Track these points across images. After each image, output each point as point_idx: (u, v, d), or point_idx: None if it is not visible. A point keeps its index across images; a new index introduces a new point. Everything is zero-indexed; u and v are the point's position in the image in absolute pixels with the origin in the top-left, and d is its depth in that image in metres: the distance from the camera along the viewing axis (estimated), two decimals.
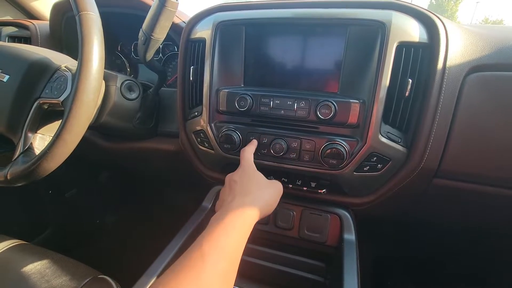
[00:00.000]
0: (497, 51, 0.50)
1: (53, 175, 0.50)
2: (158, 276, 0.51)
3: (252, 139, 0.60)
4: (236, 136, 0.60)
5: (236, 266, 0.38)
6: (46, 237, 1.12)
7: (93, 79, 0.45)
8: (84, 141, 0.49)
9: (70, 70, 0.53)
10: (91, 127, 0.64)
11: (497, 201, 0.57)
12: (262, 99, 0.58)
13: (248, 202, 0.45)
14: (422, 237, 0.91)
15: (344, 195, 0.62)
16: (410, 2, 0.53)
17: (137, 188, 1.17)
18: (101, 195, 1.26)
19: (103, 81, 0.63)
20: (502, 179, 0.52)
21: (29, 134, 0.53)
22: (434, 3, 21.86)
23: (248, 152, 0.56)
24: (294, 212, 0.64)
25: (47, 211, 1.15)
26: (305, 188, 0.62)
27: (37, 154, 0.49)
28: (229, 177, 0.53)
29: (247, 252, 0.70)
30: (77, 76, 0.44)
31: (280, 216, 0.64)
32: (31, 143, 0.53)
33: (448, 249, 0.93)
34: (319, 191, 0.61)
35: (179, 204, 0.94)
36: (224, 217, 0.41)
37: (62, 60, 0.57)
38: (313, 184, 0.62)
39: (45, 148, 0.47)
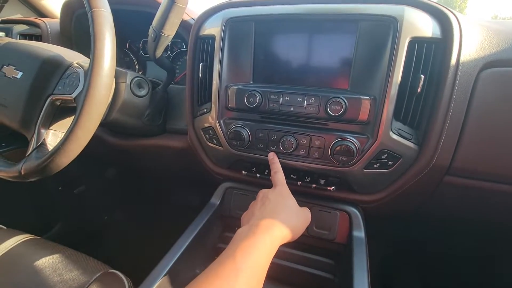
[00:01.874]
0: (509, 46, 0.49)
1: (63, 171, 0.51)
2: (169, 272, 0.51)
3: (272, 158, 0.59)
4: (245, 133, 0.60)
5: (261, 285, 0.38)
6: (56, 232, 1.14)
7: (105, 75, 0.45)
8: (93, 137, 0.50)
9: (82, 66, 0.53)
10: (101, 124, 0.65)
11: (510, 199, 0.56)
12: (272, 96, 0.57)
13: (278, 223, 0.45)
14: (434, 236, 0.90)
15: (353, 193, 0.62)
16: None
17: (145, 185, 1.18)
18: (109, 192, 1.28)
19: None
20: None
21: (42, 130, 0.54)
22: None
23: (282, 175, 0.56)
24: None
25: (57, 207, 1.17)
26: (314, 186, 0.61)
27: (50, 150, 0.50)
28: (263, 193, 0.54)
29: None
30: (90, 72, 0.45)
31: None
32: (44, 139, 0.54)
33: (461, 250, 0.91)
34: (328, 188, 0.61)
35: (187, 200, 0.94)
36: (255, 232, 0.41)
37: (74, 57, 0.58)
38: (322, 181, 0.62)
39: (58, 144, 0.48)
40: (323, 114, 0.55)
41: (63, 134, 0.50)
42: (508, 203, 0.58)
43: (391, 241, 0.83)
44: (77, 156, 0.49)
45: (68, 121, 0.57)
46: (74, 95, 0.51)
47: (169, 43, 0.79)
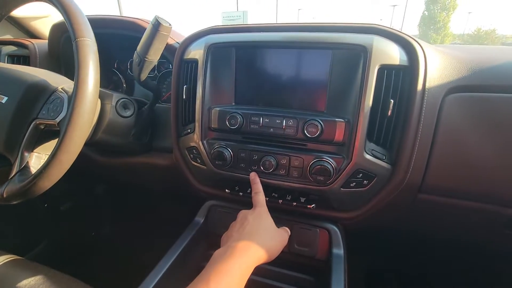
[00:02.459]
0: (473, 73, 0.52)
1: (49, 189, 0.52)
2: None
3: (253, 178, 0.62)
4: (228, 153, 0.62)
5: None
6: (41, 251, 1.12)
7: (88, 101, 0.47)
8: (80, 156, 0.51)
9: (66, 92, 0.55)
10: (87, 144, 0.66)
11: (480, 216, 0.59)
12: (252, 118, 0.60)
13: (254, 245, 0.47)
14: (414, 251, 0.92)
15: (333, 210, 0.64)
16: (391, 26, 0.56)
17: (132, 201, 1.18)
18: (96, 208, 1.27)
19: (99, 100, 0.65)
20: (482, 194, 0.54)
21: (26, 153, 0.55)
22: (427, 14, 22.32)
23: (262, 195, 0.59)
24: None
25: (42, 225, 1.15)
26: (294, 204, 0.63)
27: (33, 173, 0.51)
28: (243, 213, 0.56)
29: None
30: (73, 99, 0.46)
31: None
32: (28, 162, 0.55)
33: (440, 263, 0.94)
34: (308, 206, 0.63)
35: (173, 218, 0.95)
36: (231, 254, 0.43)
37: (58, 82, 0.59)
38: (302, 199, 0.64)
39: (40, 167, 0.48)
40: (301, 136, 0.57)
41: (47, 156, 0.51)
42: (479, 219, 0.61)
43: (374, 255, 0.85)
44: (60, 178, 0.50)
45: (52, 144, 0.58)
46: (58, 120, 0.52)
47: (156, 64, 0.82)
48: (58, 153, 0.47)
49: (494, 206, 0.55)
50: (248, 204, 0.60)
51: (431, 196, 0.59)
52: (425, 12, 22.46)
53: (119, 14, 0.80)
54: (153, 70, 0.90)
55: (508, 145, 0.50)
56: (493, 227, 0.61)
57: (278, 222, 0.57)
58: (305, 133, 0.56)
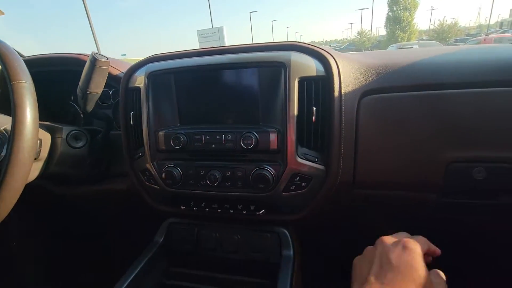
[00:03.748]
0: (381, 77, 0.59)
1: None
2: None
3: None
4: (177, 172, 0.66)
5: None
6: None
7: (26, 140, 0.50)
8: (36, 188, 0.53)
9: (6, 132, 0.58)
10: (41, 178, 0.68)
11: (411, 202, 0.65)
12: (195, 136, 0.64)
13: None
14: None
15: (281, 214, 0.68)
16: (307, 42, 0.62)
17: (91, 224, 1.16)
18: (52, 232, 1.23)
19: (49, 135, 0.67)
20: (403, 183, 0.60)
21: None
22: (391, 14, 23.44)
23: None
24: (239, 235, 0.69)
25: None
26: (245, 212, 0.67)
27: None
28: (384, 245, 0.39)
29: (194, 279, 0.74)
30: (11, 139, 0.49)
31: (225, 240, 0.69)
32: None
33: None
34: (257, 213, 0.67)
35: (132, 238, 0.96)
36: None
37: (2, 122, 0.62)
38: (252, 207, 0.68)
39: None
40: (240, 148, 0.62)
41: None
42: (412, 206, 0.67)
43: (326, 255, 0.89)
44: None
45: None
46: None
47: (110, 92, 0.85)
48: (1, 192, 0.49)
49: (416, 193, 0.61)
50: (206, 218, 0.63)
51: (366, 190, 0.64)
52: (389, 13, 23.58)
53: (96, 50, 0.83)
54: (108, 98, 0.93)
55: (413, 138, 0.57)
56: (424, 210, 0.67)
57: (232, 232, 0.61)
58: (241, 145, 0.61)
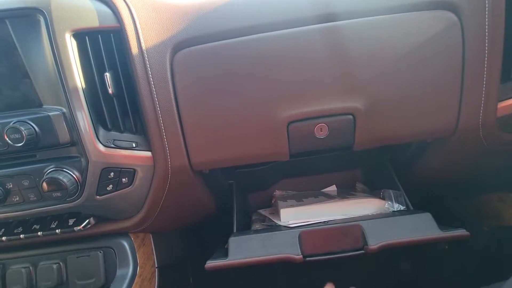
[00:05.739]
0: (193, 23, 0.44)
1: None
2: None
3: None
4: None
5: None
6: None
7: None
8: None
9: None
10: None
11: None
12: None
13: None
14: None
15: (113, 222, 0.51)
16: None
17: None
18: None
19: None
20: (248, 157, 0.49)
21: None
22: None
23: None
24: (60, 263, 0.51)
25: None
26: (58, 231, 0.49)
27: None
28: None
29: None
30: None
31: (40, 275, 0.50)
32: None
33: None
34: (79, 227, 0.49)
35: None
36: None
37: None
38: (71, 222, 0.50)
39: None
40: (8, 147, 0.41)
41: None
42: None
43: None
44: None
45: None
46: None
47: None
48: None
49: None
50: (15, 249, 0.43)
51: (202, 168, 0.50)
52: None
53: None
54: None
55: (243, 98, 0.44)
56: None
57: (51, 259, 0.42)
58: (8, 143, 0.41)
